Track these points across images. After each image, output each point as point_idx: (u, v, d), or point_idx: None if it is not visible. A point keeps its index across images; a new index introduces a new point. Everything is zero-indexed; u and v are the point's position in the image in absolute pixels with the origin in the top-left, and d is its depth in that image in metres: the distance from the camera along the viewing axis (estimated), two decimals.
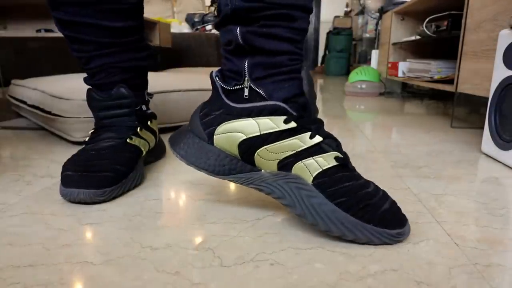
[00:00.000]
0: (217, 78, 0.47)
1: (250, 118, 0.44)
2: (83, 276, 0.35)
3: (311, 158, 0.43)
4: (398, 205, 0.45)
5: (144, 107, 0.67)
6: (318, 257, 0.39)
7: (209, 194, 0.57)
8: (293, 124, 0.43)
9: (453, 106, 1.18)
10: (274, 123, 0.44)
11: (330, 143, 0.44)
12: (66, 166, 0.55)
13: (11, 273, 0.36)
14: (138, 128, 0.63)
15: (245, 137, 0.45)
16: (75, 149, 0.80)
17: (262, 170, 0.46)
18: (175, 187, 0.60)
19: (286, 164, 0.44)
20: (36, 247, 0.41)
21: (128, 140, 0.60)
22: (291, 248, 0.41)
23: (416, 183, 0.63)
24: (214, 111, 0.47)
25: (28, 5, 1.92)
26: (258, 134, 0.44)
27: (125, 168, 0.57)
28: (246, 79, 0.45)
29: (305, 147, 0.43)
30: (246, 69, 0.45)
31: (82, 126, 0.84)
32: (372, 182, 0.46)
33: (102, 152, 0.57)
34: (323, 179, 0.43)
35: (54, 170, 0.69)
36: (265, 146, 0.44)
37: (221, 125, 0.46)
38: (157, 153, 0.74)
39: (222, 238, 0.43)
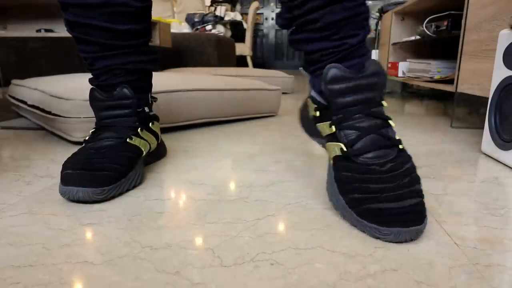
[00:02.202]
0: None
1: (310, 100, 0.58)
2: (83, 276, 0.35)
3: (331, 142, 0.52)
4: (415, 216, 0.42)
5: (146, 109, 0.67)
6: (318, 257, 0.39)
7: (209, 194, 0.57)
8: (318, 113, 0.55)
9: (453, 106, 1.18)
10: (312, 109, 0.57)
11: (347, 134, 0.50)
12: (65, 165, 0.55)
13: (11, 273, 0.36)
14: (139, 128, 0.63)
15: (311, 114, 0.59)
16: (75, 149, 0.80)
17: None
18: (175, 187, 0.60)
19: (327, 140, 0.55)
20: (36, 247, 0.41)
21: (128, 140, 0.60)
22: (291, 248, 0.41)
23: None
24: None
25: (28, 5, 1.93)
26: (311, 114, 0.58)
27: (124, 167, 0.57)
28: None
29: (328, 132, 0.53)
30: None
31: (82, 126, 0.84)
32: (409, 183, 0.45)
33: (101, 151, 0.57)
34: (334, 162, 0.51)
35: (54, 170, 0.69)
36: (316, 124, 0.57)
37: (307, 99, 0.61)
38: (158, 154, 0.74)
39: (222, 238, 0.43)
